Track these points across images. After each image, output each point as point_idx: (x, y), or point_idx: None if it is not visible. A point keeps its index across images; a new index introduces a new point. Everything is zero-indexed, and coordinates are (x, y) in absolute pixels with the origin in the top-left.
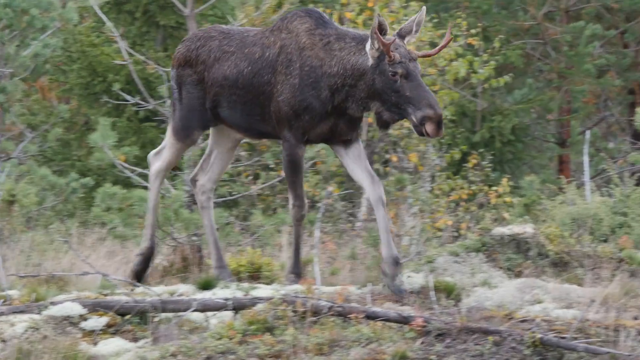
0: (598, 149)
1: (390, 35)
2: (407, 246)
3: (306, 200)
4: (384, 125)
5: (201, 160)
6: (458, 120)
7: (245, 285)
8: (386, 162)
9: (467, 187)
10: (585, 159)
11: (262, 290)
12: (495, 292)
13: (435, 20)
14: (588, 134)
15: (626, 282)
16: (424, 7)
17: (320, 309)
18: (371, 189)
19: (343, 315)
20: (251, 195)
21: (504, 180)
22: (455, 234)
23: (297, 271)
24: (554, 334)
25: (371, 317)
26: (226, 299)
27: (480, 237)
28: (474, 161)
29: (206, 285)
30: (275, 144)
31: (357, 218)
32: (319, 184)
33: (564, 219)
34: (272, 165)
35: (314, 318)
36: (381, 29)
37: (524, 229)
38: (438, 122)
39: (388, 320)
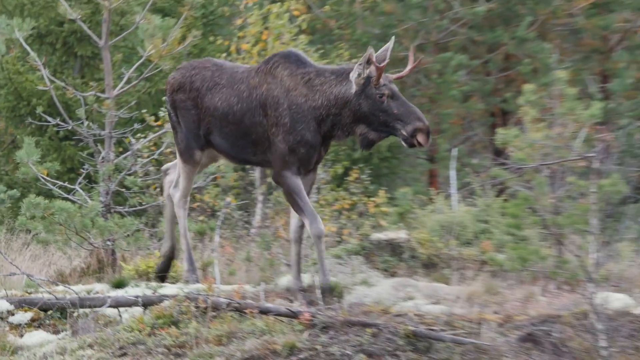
0: (463, 164)
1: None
2: None
3: (319, 217)
4: (369, 144)
5: (175, 178)
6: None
7: (154, 284)
8: None
9: (349, 198)
10: (452, 173)
11: (168, 289)
12: (373, 290)
13: (321, 51)
14: (455, 151)
15: (488, 281)
16: (393, 37)
17: (220, 305)
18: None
19: (240, 310)
20: (158, 205)
21: (381, 192)
22: (339, 239)
23: (326, 282)
24: (425, 327)
25: (264, 312)
26: (137, 297)
27: (360, 242)
28: (355, 175)
29: (119, 284)
30: None
31: (252, 225)
32: (218, 195)
33: (433, 225)
34: None
35: (214, 313)
36: (369, 62)
37: (399, 234)
38: (427, 132)
39: (279, 314)
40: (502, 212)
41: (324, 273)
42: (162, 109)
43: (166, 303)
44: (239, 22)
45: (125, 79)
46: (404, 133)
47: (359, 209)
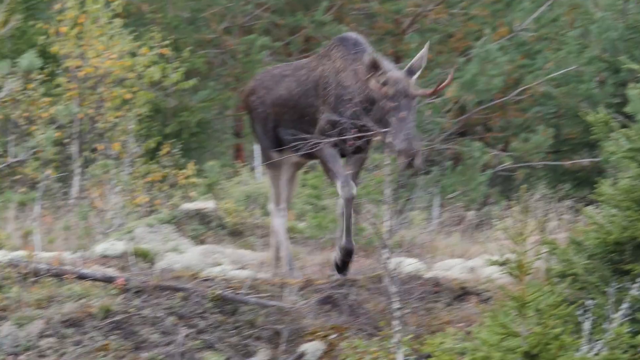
0: None
1: (388, 68)
2: (110, 219)
3: (352, 182)
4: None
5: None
6: (153, 116)
7: None
8: (94, 150)
9: (161, 170)
10: (256, 146)
11: None
12: (183, 256)
13: (135, 34)
14: None
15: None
16: (427, 43)
17: (40, 271)
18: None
19: (58, 276)
20: None
21: (191, 165)
22: (151, 209)
23: (349, 246)
24: (231, 290)
25: (81, 277)
26: None
27: (171, 211)
28: (167, 149)
29: None
30: None
31: (70, 196)
32: (39, 168)
33: (239, 196)
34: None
35: (35, 278)
36: (374, 66)
37: (207, 204)
38: (410, 156)
39: (95, 279)
40: (302, 183)
41: (348, 236)
42: None
43: None
44: (57, 6)
45: None
46: (395, 149)
47: (170, 181)
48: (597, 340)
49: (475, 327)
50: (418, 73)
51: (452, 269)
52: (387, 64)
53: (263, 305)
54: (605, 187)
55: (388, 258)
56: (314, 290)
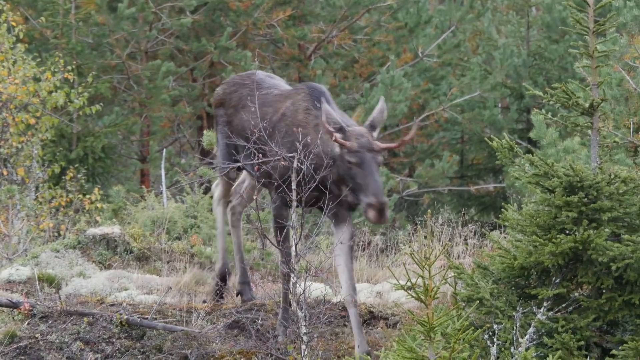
0: (173, 164)
1: (348, 123)
2: (16, 244)
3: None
4: (349, 207)
5: (235, 184)
6: (57, 141)
7: None
8: None
9: (66, 195)
10: (162, 172)
11: None
12: (89, 281)
13: (38, 60)
14: (164, 151)
15: (196, 273)
16: (382, 97)
17: None
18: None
19: None
20: None
21: (96, 190)
22: (56, 234)
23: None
24: (138, 315)
25: None
26: None
27: (77, 236)
28: (71, 174)
29: None
30: None
31: None
32: None
33: (145, 221)
34: None
35: None
36: (333, 122)
37: (113, 229)
38: (379, 209)
39: (0, 305)
40: (209, 209)
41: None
42: None
43: None
44: None
45: None
46: (362, 205)
47: (75, 206)
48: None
49: (382, 351)
50: (379, 127)
51: (359, 293)
52: (342, 118)
53: (170, 330)
54: (510, 212)
55: (295, 283)
56: (222, 315)
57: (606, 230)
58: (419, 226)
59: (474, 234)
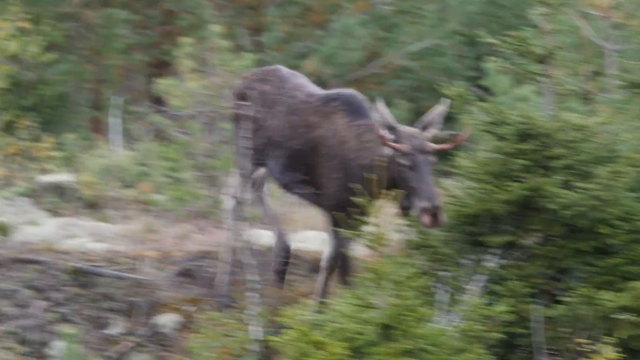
0: (125, 112)
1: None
2: None
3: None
4: (404, 210)
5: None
6: (12, 89)
7: None
8: None
9: (18, 143)
10: (114, 120)
11: None
12: (40, 229)
13: None
14: (117, 99)
15: (147, 221)
16: (448, 101)
17: None
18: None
19: None
20: None
21: (49, 138)
22: (8, 182)
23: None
24: (88, 263)
25: None
26: None
27: (28, 184)
28: (25, 122)
29: None
30: None
31: None
32: None
33: (96, 169)
34: None
35: None
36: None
37: (64, 177)
38: (434, 214)
39: None
40: (160, 156)
41: None
42: None
43: None
44: None
45: None
46: (416, 209)
47: (27, 154)
48: (453, 311)
49: (332, 299)
50: (432, 130)
51: (309, 241)
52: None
53: (119, 278)
54: (462, 160)
55: (245, 230)
56: (171, 263)
57: (558, 177)
58: None
59: None
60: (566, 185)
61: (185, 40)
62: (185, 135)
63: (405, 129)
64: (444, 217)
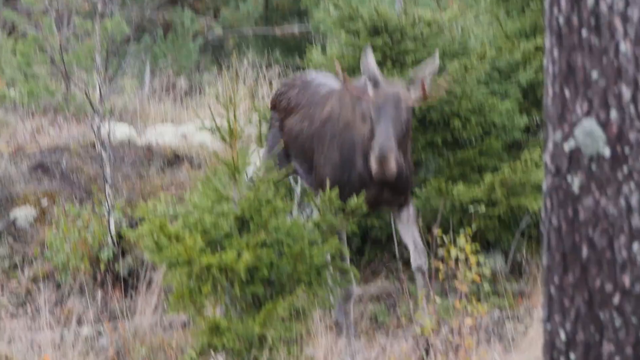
0: None
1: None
2: None
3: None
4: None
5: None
6: None
7: None
8: None
9: None
10: None
11: None
12: None
13: None
14: None
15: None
16: (437, 50)
17: None
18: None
19: None
20: None
21: None
22: None
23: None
24: None
25: None
26: None
27: None
28: None
29: None
30: None
31: None
32: None
33: None
34: None
35: None
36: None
37: None
38: (381, 163)
39: None
40: (13, 51)
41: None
42: None
43: None
44: None
45: None
46: (371, 155)
47: None
48: (307, 203)
49: (187, 192)
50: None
51: (164, 135)
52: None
53: None
54: (314, 54)
55: (100, 124)
56: (25, 157)
57: (409, 71)
58: (223, 68)
59: (279, 76)
60: None
61: None
62: (37, 30)
63: (387, 82)
64: (392, 167)
